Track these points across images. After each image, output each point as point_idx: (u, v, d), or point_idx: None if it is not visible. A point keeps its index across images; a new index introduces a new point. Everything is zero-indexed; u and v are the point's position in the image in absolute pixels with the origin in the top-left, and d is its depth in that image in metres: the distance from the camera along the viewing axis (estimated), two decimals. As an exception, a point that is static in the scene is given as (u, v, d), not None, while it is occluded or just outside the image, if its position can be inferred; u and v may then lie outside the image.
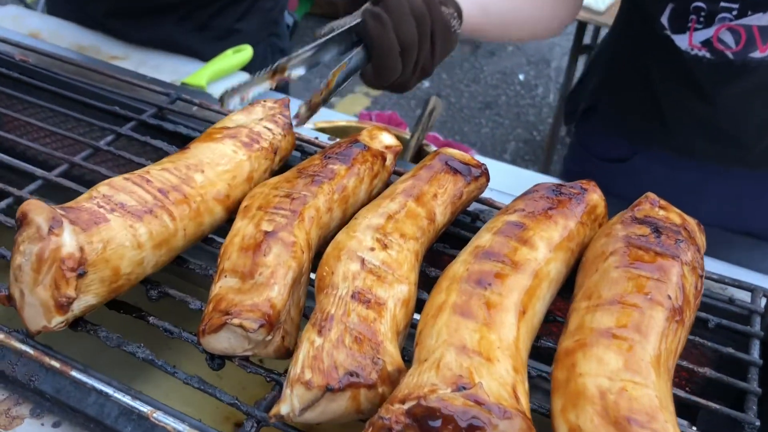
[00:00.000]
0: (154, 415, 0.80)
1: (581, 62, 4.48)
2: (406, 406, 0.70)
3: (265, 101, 1.17)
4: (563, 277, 0.93)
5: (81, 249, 0.82)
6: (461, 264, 0.87)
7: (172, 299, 0.93)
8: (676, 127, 1.57)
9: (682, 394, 0.88)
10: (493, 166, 2.05)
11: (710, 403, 0.88)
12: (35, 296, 0.81)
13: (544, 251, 0.90)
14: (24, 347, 0.85)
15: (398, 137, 1.78)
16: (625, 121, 1.69)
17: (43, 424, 0.84)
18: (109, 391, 0.82)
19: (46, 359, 0.84)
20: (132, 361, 0.85)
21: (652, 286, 0.84)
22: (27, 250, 0.82)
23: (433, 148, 1.95)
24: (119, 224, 0.86)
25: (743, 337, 0.98)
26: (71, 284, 0.81)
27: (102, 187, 0.90)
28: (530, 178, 1.79)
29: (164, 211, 0.90)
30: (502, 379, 0.74)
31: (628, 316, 0.80)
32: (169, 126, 1.22)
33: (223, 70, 1.98)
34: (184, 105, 1.33)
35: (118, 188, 0.90)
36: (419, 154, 1.92)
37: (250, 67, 2.01)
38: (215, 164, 0.98)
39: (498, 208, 1.14)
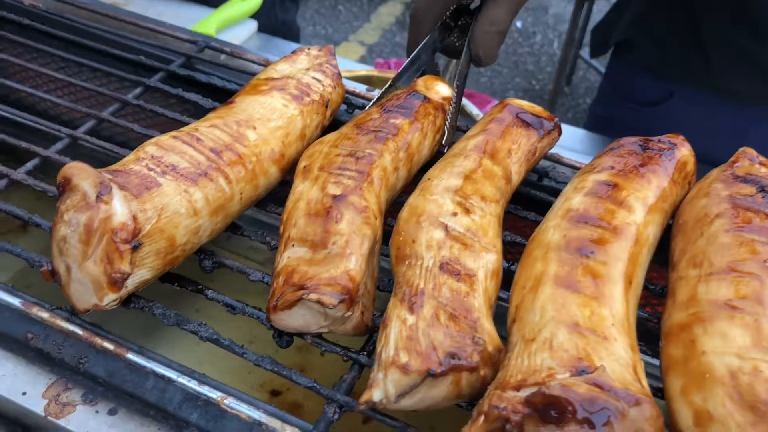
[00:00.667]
0: (225, 401, 0.71)
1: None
2: (523, 394, 0.62)
3: (309, 48, 1.06)
4: (657, 242, 0.85)
5: (134, 218, 0.73)
6: (555, 230, 0.79)
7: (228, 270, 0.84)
8: (719, 64, 1.45)
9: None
10: None
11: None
12: (85, 272, 0.72)
13: (641, 213, 0.82)
14: (72, 327, 0.76)
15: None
16: (663, 57, 1.57)
17: (97, 412, 0.75)
18: (172, 375, 0.73)
19: (98, 340, 0.75)
20: (141, 325, 0.77)
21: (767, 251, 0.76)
22: (73, 220, 0.72)
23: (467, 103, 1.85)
24: (173, 189, 0.77)
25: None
26: (125, 258, 0.72)
27: (149, 147, 0.80)
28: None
29: (219, 173, 0.81)
30: (622, 359, 0.66)
31: (746, 286, 0.73)
32: (202, 77, 1.11)
33: (232, 18, 1.86)
34: (212, 54, 1.21)
35: (167, 148, 0.80)
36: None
37: (258, 15, 1.89)
38: (266, 120, 0.89)
39: (565, 165, 1.05)
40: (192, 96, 1.06)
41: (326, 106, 0.98)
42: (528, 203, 0.97)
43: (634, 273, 0.77)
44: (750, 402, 0.63)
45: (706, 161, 0.96)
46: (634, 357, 0.68)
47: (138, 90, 1.08)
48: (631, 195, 0.83)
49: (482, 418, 0.62)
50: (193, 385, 0.73)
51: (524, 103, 0.99)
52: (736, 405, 0.64)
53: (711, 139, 1.44)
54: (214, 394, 0.72)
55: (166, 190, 0.76)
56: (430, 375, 0.65)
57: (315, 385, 0.73)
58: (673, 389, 0.70)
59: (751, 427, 0.63)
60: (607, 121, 1.77)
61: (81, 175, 0.73)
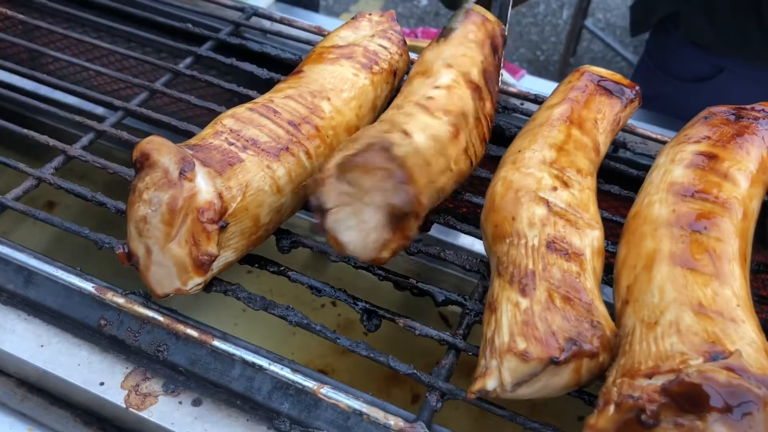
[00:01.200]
0: (322, 390, 0.67)
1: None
2: (657, 382, 0.58)
3: (370, 14, 1.01)
4: (758, 216, 0.81)
5: (220, 196, 0.68)
6: (661, 204, 0.74)
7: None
8: None
9: None
10: None
11: None
12: (168, 254, 0.67)
13: (745, 185, 0.77)
14: (151, 313, 0.72)
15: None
16: (714, 29, 1.52)
17: (181, 402, 0.71)
18: (263, 363, 0.69)
19: (181, 326, 0.71)
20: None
21: None
22: (154, 199, 0.67)
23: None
24: (255, 164, 0.72)
25: None
26: (213, 239, 0.67)
27: (227, 120, 0.75)
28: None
29: (300, 147, 0.75)
30: (754, 343, 0.62)
31: None
32: (254, 46, 1.06)
33: None
34: (258, 21, 1.15)
35: (245, 121, 0.75)
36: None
37: None
38: (339, 90, 0.83)
39: (639, 135, 1.00)
40: (246, 66, 1.00)
41: (394, 75, 0.93)
42: (609, 176, 0.92)
43: (747, 249, 0.73)
44: None
45: None
46: (763, 340, 0.64)
47: (189, 60, 1.02)
48: (733, 166, 0.78)
49: (612, 407, 0.59)
50: (286, 373, 0.68)
51: (602, 71, 0.94)
52: None
53: None
54: (310, 383, 0.67)
55: (249, 166, 0.71)
56: (553, 362, 0.61)
57: (415, 372, 0.69)
58: None
59: None
60: (650, 99, 1.72)
61: (161, 150, 0.68)
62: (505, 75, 1.77)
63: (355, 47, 0.92)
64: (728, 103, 0.94)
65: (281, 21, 1.13)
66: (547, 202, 0.73)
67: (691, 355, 0.60)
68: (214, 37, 1.06)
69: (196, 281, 0.68)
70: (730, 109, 0.87)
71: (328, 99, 0.82)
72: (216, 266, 0.69)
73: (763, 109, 0.87)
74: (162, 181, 0.67)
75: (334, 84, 0.84)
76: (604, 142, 0.87)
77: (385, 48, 0.94)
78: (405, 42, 0.98)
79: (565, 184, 0.76)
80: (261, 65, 1.01)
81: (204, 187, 0.67)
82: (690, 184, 0.76)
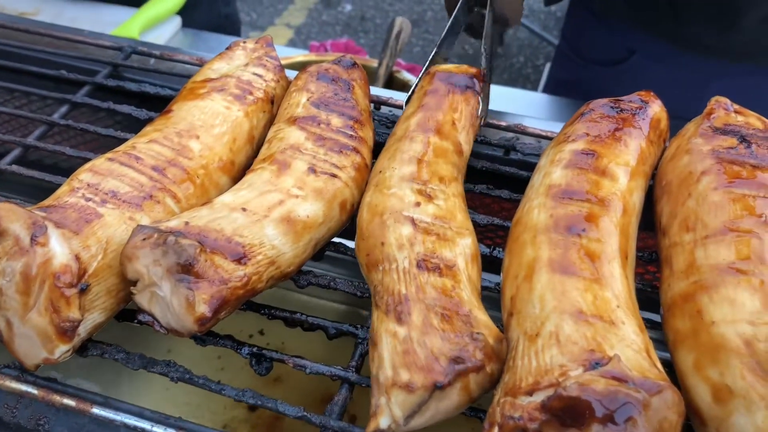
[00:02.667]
0: (209, 447, 0.64)
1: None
2: (537, 399, 0.57)
3: (244, 42, 0.98)
4: (642, 207, 0.81)
5: (77, 258, 0.65)
6: (540, 209, 0.73)
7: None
8: (684, 13, 1.43)
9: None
10: None
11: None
12: (28, 325, 0.64)
13: (624, 180, 0.77)
14: (24, 387, 0.68)
15: (364, 66, 1.61)
16: (626, 4, 1.54)
17: (66, 476, 0.68)
18: (146, 425, 0.66)
19: (57, 397, 0.67)
20: (103, 372, 0.69)
21: (762, 204, 0.72)
22: (7, 269, 0.64)
23: (405, 74, 1.78)
24: (116, 218, 0.69)
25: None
26: (73, 303, 0.64)
27: (83, 175, 0.72)
28: (505, 93, 1.64)
29: (166, 193, 0.73)
30: (634, 344, 0.61)
31: (747, 246, 0.68)
32: (132, 86, 1.02)
33: (156, 17, 1.75)
34: (140, 59, 1.12)
35: (104, 173, 0.72)
36: (390, 81, 1.75)
37: (186, 11, 1.78)
38: (210, 126, 0.81)
39: (530, 135, 1.00)
40: (124, 108, 0.97)
41: (272, 102, 0.90)
42: (499, 181, 0.91)
43: (628, 246, 0.72)
44: None
45: (671, 117, 0.92)
46: (644, 339, 0.63)
47: (64, 108, 0.98)
48: (611, 162, 0.78)
49: (496, 430, 0.57)
50: (170, 433, 0.65)
51: (451, 67, 0.94)
52: (756, 376, 0.60)
53: (673, 94, 1.41)
54: (200, 441, 0.65)
55: (109, 220, 0.68)
56: (437, 388, 0.59)
57: (306, 414, 0.66)
58: (685, 365, 0.65)
59: None
60: (569, 84, 1.73)
61: (10, 216, 0.64)
62: (404, 73, 1.76)
63: (228, 78, 0.89)
64: (642, 87, 0.94)
65: (162, 56, 1.09)
66: (412, 220, 0.71)
67: (571, 366, 0.59)
68: (90, 82, 1.02)
69: (62, 349, 0.65)
70: (608, 102, 0.86)
71: (197, 137, 0.79)
72: (83, 330, 0.66)
73: (639, 99, 0.87)
74: (14, 250, 0.64)
75: (204, 120, 0.81)
76: (466, 140, 0.86)
77: (259, 76, 0.91)
78: (282, 67, 0.96)
79: (429, 197, 0.75)
80: (140, 105, 0.98)
81: (59, 250, 0.64)
82: (568, 185, 0.75)
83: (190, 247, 0.62)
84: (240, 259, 0.65)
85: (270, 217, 0.70)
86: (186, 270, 0.61)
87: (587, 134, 0.81)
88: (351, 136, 0.83)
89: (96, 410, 0.67)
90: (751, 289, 0.65)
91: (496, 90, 1.70)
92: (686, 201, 0.76)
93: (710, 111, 0.84)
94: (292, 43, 5.22)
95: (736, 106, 0.84)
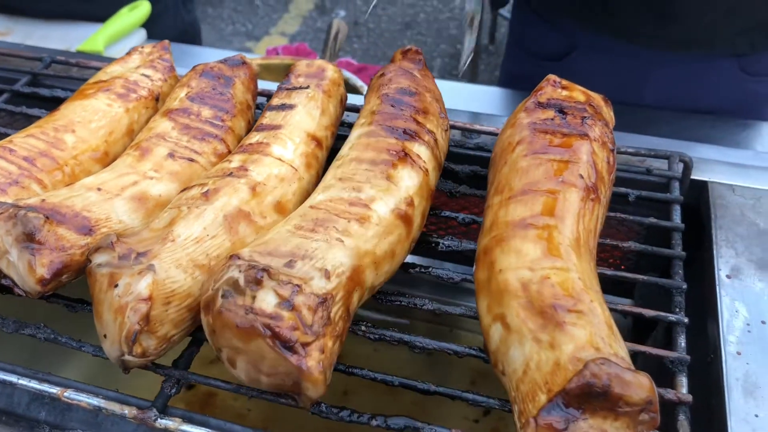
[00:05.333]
0: (65, 394, 0.75)
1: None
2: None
3: (143, 47, 1.09)
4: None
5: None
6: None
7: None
8: (618, 7, 1.48)
9: (608, 272, 0.86)
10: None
11: (638, 276, 0.86)
12: None
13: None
14: None
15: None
16: (566, 3, 1.58)
17: (-51, 427, 0.78)
18: (13, 378, 0.76)
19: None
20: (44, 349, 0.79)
21: (563, 168, 0.80)
22: None
23: (346, 73, 1.88)
24: (-17, 203, 0.79)
25: (665, 204, 0.96)
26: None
27: (-41, 166, 0.83)
28: (461, 89, 1.71)
29: (32, 180, 0.83)
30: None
31: (542, 203, 0.77)
32: (45, 92, 1.13)
33: (121, 31, 1.84)
34: (62, 68, 1.23)
35: (-21, 164, 0.83)
36: (331, 82, 1.85)
37: (150, 21, 1.88)
38: (88, 122, 0.91)
39: (465, 129, 1.08)
40: (35, 111, 1.08)
41: (157, 100, 1.01)
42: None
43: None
44: (539, 308, 0.68)
45: (615, 105, 0.96)
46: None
47: (-19, 114, 1.09)
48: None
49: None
50: (34, 384, 0.76)
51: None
52: (528, 313, 0.68)
53: (617, 84, 1.47)
54: (54, 389, 0.75)
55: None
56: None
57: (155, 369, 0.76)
58: (481, 309, 0.74)
59: (541, 331, 0.67)
60: (518, 78, 1.78)
61: None
62: (354, 79, 1.85)
63: (117, 80, 1.00)
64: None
65: (77, 65, 1.21)
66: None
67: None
68: (8, 90, 1.14)
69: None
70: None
71: (73, 131, 0.89)
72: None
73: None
74: None
75: (84, 116, 0.92)
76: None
77: (147, 77, 1.02)
78: (172, 68, 1.07)
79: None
80: (52, 108, 1.09)
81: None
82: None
83: (36, 218, 0.72)
84: (86, 231, 0.76)
85: (121, 196, 0.80)
86: (30, 239, 0.72)
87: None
88: (218, 126, 0.93)
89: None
90: (536, 240, 0.74)
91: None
92: (502, 168, 0.85)
93: (539, 88, 0.93)
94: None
95: (565, 82, 0.93)
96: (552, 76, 0.93)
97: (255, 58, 1.78)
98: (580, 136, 0.84)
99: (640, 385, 0.60)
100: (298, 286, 0.67)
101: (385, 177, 0.81)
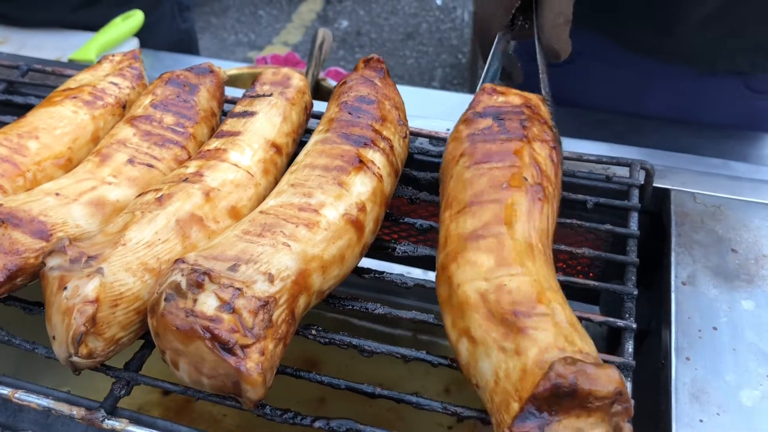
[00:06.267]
0: (16, 395, 0.76)
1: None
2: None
3: (113, 55, 1.11)
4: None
5: None
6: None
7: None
8: (622, 14, 1.46)
9: (561, 278, 0.86)
10: (422, 93, 2.00)
11: (588, 282, 0.87)
12: None
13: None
14: None
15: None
16: (576, 8, 1.56)
17: None
18: None
19: None
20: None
21: (506, 174, 0.81)
22: None
23: (332, 82, 1.90)
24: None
25: (623, 211, 0.97)
26: None
27: None
28: (461, 100, 1.71)
29: (-8, 187, 0.85)
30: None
31: (490, 213, 0.78)
32: (19, 99, 1.15)
33: (113, 40, 1.86)
34: (39, 76, 1.25)
35: (-64, 171, 0.85)
36: (317, 90, 1.87)
37: (145, 29, 1.90)
38: (53, 128, 0.93)
39: (431, 137, 1.09)
40: (7, 119, 1.10)
41: (123, 107, 1.02)
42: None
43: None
44: (500, 317, 0.68)
45: (614, 113, 0.94)
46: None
47: (-46, 121, 1.11)
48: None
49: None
50: (-14, 385, 0.77)
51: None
52: (490, 323, 0.68)
53: (617, 92, 1.47)
54: (5, 390, 0.76)
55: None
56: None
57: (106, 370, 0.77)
58: (447, 326, 0.74)
59: (504, 339, 0.67)
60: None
61: None
62: (329, 81, 1.87)
63: (85, 87, 1.02)
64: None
65: (53, 72, 1.23)
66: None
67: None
68: (-17, 97, 1.16)
69: None
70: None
71: (37, 138, 0.91)
72: None
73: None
74: None
75: (49, 123, 0.94)
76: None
77: (115, 84, 1.04)
78: (141, 76, 1.08)
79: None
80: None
81: None
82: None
83: (-11, 223, 0.74)
84: (42, 236, 0.77)
85: (79, 201, 0.82)
86: (-16, 243, 0.73)
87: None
88: (180, 132, 0.95)
89: (-71, 368, 0.79)
90: (488, 250, 0.74)
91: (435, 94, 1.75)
92: (449, 182, 0.85)
93: (475, 98, 0.93)
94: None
95: (501, 88, 0.93)
96: (488, 85, 0.94)
97: (229, 69, 1.80)
98: (519, 139, 0.85)
99: (607, 378, 0.59)
100: (239, 289, 0.69)
101: (337, 183, 0.82)
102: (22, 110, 1.14)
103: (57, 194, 0.81)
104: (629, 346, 0.79)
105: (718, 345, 0.84)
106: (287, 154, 0.96)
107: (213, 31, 5.68)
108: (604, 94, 1.05)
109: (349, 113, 0.91)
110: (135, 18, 1.88)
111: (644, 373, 0.91)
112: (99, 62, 1.09)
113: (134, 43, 1.93)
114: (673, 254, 0.95)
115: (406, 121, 0.98)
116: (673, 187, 1.04)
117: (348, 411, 0.85)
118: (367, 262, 0.90)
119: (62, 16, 1.93)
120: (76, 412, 0.74)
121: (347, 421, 0.72)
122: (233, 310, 0.67)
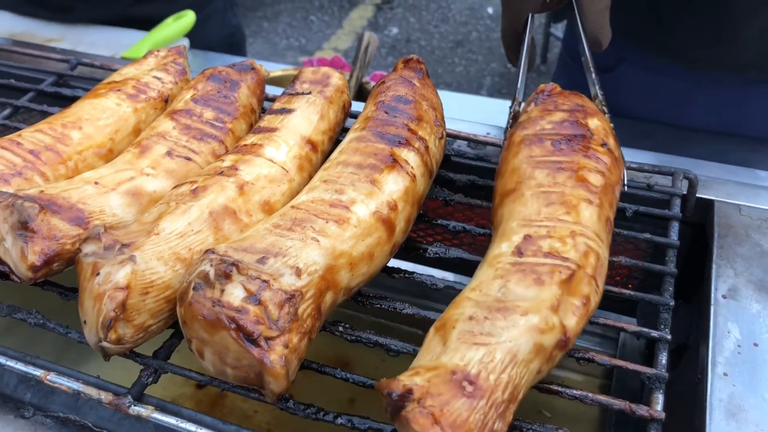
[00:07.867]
0: (48, 377, 0.77)
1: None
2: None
3: (158, 50, 1.13)
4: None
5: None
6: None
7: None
8: (671, 27, 1.44)
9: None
10: (466, 99, 1.99)
11: (624, 290, 0.85)
12: None
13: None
14: None
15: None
16: (616, 18, 1.56)
17: (-60, 404, 0.82)
18: (2, 360, 0.79)
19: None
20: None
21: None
22: None
23: (373, 83, 1.90)
24: (-15, 191, 0.83)
25: (664, 221, 0.94)
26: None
27: (-34, 157, 0.87)
28: (504, 106, 1.71)
29: (35, 172, 0.87)
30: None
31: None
32: (67, 91, 1.18)
33: (164, 39, 1.90)
34: (88, 70, 1.28)
35: (-18, 156, 0.87)
36: (360, 92, 1.88)
37: (198, 26, 1.93)
38: (95, 119, 0.95)
39: (469, 140, 1.08)
40: (55, 110, 1.12)
41: (166, 101, 1.04)
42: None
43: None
44: None
45: (657, 123, 0.92)
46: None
47: (7, 111, 1.15)
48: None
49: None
50: (20, 366, 0.79)
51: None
52: None
53: (661, 102, 1.45)
54: (38, 372, 0.78)
55: (-24, 192, 0.83)
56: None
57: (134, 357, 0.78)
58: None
59: None
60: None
61: None
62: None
63: (129, 81, 1.04)
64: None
65: (102, 67, 1.25)
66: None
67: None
68: (34, 89, 1.19)
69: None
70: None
71: (80, 128, 0.93)
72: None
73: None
74: None
75: (92, 114, 0.96)
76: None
77: (158, 79, 1.05)
78: (184, 72, 1.10)
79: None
80: (72, 107, 1.14)
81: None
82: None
83: (31, 208, 0.75)
84: (80, 223, 0.79)
85: (117, 190, 0.83)
86: (24, 227, 0.75)
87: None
88: (219, 127, 0.96)
89: None
90: None
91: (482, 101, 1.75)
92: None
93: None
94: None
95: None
96: (547, 86, 0.92)
97: (274, 70, 1.82)
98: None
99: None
100: (266, 281, 0.69)
101: (369, 181, 0.82)
102: (69, 102, 1.17)
103: (96, 183, 0.83)
104: (663, 358, 0.77)
105: (759, 361, 0.81)
106: (323, 151, 0.96)
107: (264, 35, 5.76)
108: (647, 103, 1.02)
109: (386, 112, 0.91)
110: (186, 18, 1.91)
111: (682, 389, 0.89)
112: (144, 57, 1.11)
113: (185, 43, 1.96)
114: (713, 266, 0.92)
115: (444, 122, 0.97)
116: (718, 198, 1.01)
117: (377, 413, 0.85)
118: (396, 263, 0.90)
119: (121, 10, 1.97)
120: (104, 396, 0.75)
121: (369, 420, 0.72)
122: (259, 302, 0.68)
